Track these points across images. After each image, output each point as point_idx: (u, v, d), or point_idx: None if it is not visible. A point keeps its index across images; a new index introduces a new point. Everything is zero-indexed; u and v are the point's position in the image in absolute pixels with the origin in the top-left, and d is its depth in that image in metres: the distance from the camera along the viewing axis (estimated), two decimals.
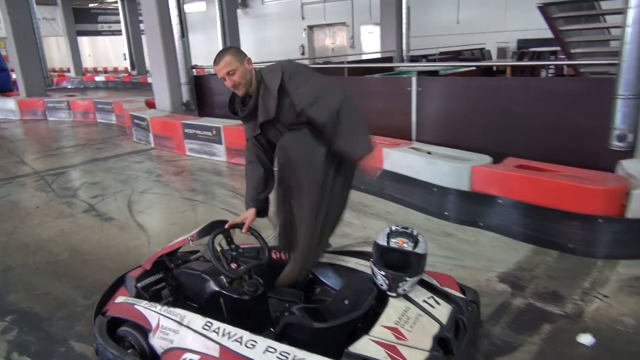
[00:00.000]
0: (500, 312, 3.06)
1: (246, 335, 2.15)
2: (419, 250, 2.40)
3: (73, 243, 4.42)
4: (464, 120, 5.67)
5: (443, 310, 2.37)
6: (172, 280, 2.83)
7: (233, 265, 2.60)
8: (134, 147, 8.59)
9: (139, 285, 2.73)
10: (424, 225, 4.51)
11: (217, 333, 2.20)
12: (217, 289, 2.54)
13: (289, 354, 2.04)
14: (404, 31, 12.43)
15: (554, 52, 11.99)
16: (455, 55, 13.77)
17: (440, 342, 2.16)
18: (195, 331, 2.24)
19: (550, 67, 10.99)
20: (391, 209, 4.99)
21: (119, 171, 6.98)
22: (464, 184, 4.41)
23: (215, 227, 2.71)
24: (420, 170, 4.75)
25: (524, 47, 15.06)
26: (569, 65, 8.27)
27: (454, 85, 5.86)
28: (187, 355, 2.17)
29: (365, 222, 4.66)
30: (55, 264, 4.01)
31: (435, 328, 2.23)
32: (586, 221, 3.70)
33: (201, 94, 9.02)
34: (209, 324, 2.24)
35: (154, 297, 2.75)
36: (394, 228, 2.48)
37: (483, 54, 14.50)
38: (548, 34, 7.20)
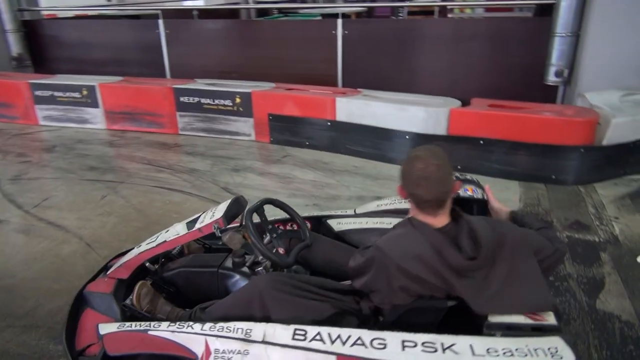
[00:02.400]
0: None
1: (359, 333, 1.63)
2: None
3: None
4: (395, 64, 5.49)
5: None
6: (166, 286, 2.19)
7: (280, 250, 2.07)
8: None
9: (127, 302, 1.99)
10: (396, 176, 4.25)
11: (321, 341, 1.62)
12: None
13: (434, 343, 1.58)
14: None
15: None
16: None
17: None
18: (285, 346, 1.63)
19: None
20: (356, 163, 4.60)
21: None
22: (441, 128, 4.26)
23: (240, 205, 2.11)
24: (389, 119, 4.43)
25: None
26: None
27: (383, 28, 5.58)
28: None
29: (342, 180, 4.21)
30: None
31: None
32: (568, 152, 3.93)
33: (38, 46, 6.92)
34: (300, 332, 1.65)
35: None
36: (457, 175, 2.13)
37: None
38: None
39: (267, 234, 2.12)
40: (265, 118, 5.13)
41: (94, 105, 5.78)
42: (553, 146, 3.95)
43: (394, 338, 1.59)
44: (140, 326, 1.79)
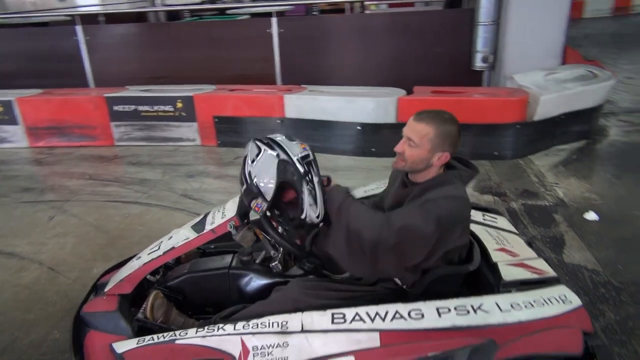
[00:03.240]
0: (514, 215, 3.33)
1: (395, 307, 1.70)
2: None
3: None
4: (332, 60, 5.62)
5: (503, 220, 2.36)
6: (173, 295, 2.10)
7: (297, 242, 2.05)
8: None
9: (139, 316, 1.88)
10: (356, 166, 4.42)
11: (361, 320, 1.69)
12: (270, 280, 2.03)
13: (464, 305, 1.71)
14: None
15: None
16: None
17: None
18: (326, 331, 1.67)
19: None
20: None
21: None
22: (390, 117, 4.44)
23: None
24: (339, 112, 4.54)
25: None
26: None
27: (317, 24, 5.68)
28: None
29: None
30: None
31: (517, 237, 2.21)
32: (505, 129, 4.30)
33: None
34: (339, 316, 1.69)
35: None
36: None
37: None
38: None
39: (279, 227, 2.10)
40: (210, 121, 5.00)
41: (12, 122, 5.25)
42: (492, 125, 4.31)
43: (428, 307, 1.67)
44: (165, 337, 1.71)
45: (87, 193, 4.04)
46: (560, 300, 1.72)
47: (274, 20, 5.53)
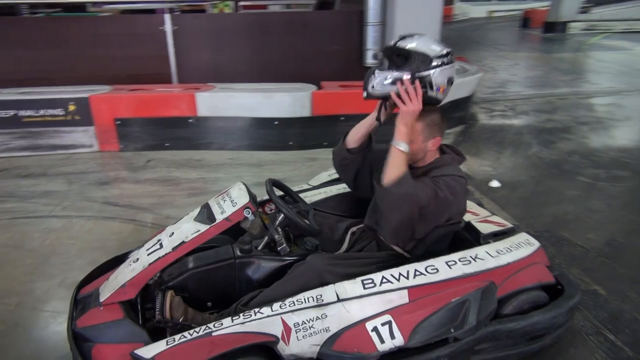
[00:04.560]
0: None
1: (414, 267, 1.91)
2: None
3: None
4: (230, 58, 5.61)
5: None
6: (176, 293, 2.03)
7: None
8: None
9: (159, 318, 1.80)
10: (280, 160, 4.52)
11: (389, 282, 1.86)
12: (279, 263, 2.09)
13: (465, 257, 2.04)
14: None
15: None
16: None
17: None
18: (361, 296, 1.80)
19: None
20: (229, 155, 4.61)
21: None
22: (306, 110, 4.64)
23: (250, 190, 2.06)
24: (257, 107, 4.58)
25: None
26: None
27: (215, 22, 5.58)
28: (372, 322, 1.77)
29: (229, 172, 4.23)
30: None
31: (469, 201, 2.42)
32: None
33: None
34: (368, 281, 1.84)
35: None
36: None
37: None
38: None
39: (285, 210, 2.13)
40: (110, 124, 4.60)
41: (85, 122, 4.45)
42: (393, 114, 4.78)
43: (438, 262, 1.94)
44: (199, 332, 1.67)
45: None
46: (527, 244, 2.14)
47: (167, 17, 5.29)
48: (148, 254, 1.92)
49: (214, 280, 2.04)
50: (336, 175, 2.70)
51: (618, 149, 4.82)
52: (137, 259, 1.92)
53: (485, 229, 2.23)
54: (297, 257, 2.06)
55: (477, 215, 2.41)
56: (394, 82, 1.81)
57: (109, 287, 1.88)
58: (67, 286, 2.53)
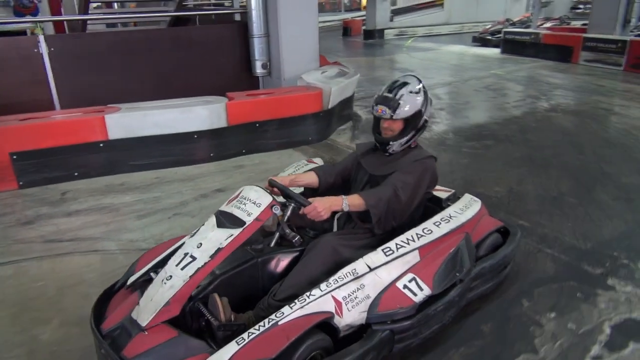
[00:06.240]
0: None
1: (414, 231, 2.27)
2: (397, 116, 2.28)
3: None
4: (117, 77, 5.36)
5: None
6: (200, 302, 2.08)
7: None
8: None
9: (216, 324, 1.90)
10: (207, 172, 4.55)
11: (402, 247, 2.19)
12: (296, 253, 2.28)
13: (443, 217, 2.42)
14: None
15: None
16: None
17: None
18: (386, 263, 2.13)
19: None
20: (152, 175, 4.47)
21: None
22: (222, 121, 4.75)
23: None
24: (175, 123, 4.53)
25: None
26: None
27: (97, 41, 5.23)
28: (400, 282, 2.09)
29: (166, 191, 4.13)
30: None
31: None
32: (309, 118, 5.28)
33: None
34: (387, 249, 2.16)
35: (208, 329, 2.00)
36: (379, 93, 2.37)
37: None
38: None
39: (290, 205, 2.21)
40: (4, 160, 4.05)
41: None
42: (301, 116, 5.20)
43: (429, 224, 2.33)
44: (265, 325, 1.79)
45: None
46: (474, 202, 2.66)
47: (41, 38, 4.82)
48: (182, 269, 1.89)
49: (240, 283, 2.16)
50: (299, 171, 2.99)
51: (476, 125, 6.02)
52: (170, 276, 1.89)
53: (440, 195, 2.75)
54: (308, 245, 2.25)
55: None
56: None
57: (146, 310, 1.84)
58: (74, 324, 2.36)
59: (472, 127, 5.93)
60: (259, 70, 6.04)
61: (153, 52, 5.48)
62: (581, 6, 22.08)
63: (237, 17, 7.57)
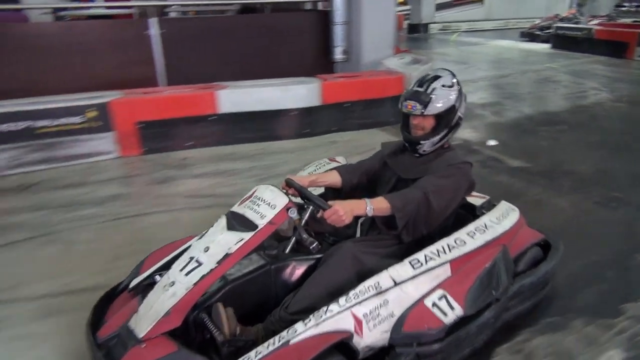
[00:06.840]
0: None
1: (445, 242, 2.00)
2: (428, 112, 2.07)
3: None
4: (216, 59, 5.81)
5: None
6: (205, 311, 1.94)
7: None
8: None
9: (220, 339, 1.73)
10: (297, 147, 4.92)
11: (432, 259, 1.94)
12: (313, 261, 2.05)
13: (478, 227, 2.13)
14: None
15: None
16: None
17: None
18: (413, 277, 1.88)
19: None
20: (252, 148, 4.87)
21: None
22: (317, 100, 5.15)
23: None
24: (277, 101, 4.95)
25: None
26: None
27: (201, 25, 5.69)
28: (429, 299, 1.83)
29: (277, 159, 4.54)
30: None
31: None
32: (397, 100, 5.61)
33: None
34: (415, 261, 1.91)
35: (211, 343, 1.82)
36: (408, 88, 2.24)
37: None
38: None
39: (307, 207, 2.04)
40: (131, 128, 4.53)
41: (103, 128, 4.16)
42: (383, 98, 5.53)
43: (462, 234, 2.05)
44: (276, 343, 1.62)
45: (67, 221, 3.30)
46: (512, 210, 2.34)
47: (153, 21, 5.29)
48: (186, 274, 1.73)
49: (251, 291, 1.96)
50: (320, 171, 2.82)
51: (546, 113, 6.27)
52: (173, 282, 1.72)
53: (474, 202, 2.47)
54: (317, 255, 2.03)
55: None
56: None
57: (145, 319, 1.67)
58: None
59: (542, 114, 6.19)
60: (338, 56, 6.40)
61: (237, 37, 5.90)
62: (626, 4, 21.87)
63: (308, 7, 7.96)
